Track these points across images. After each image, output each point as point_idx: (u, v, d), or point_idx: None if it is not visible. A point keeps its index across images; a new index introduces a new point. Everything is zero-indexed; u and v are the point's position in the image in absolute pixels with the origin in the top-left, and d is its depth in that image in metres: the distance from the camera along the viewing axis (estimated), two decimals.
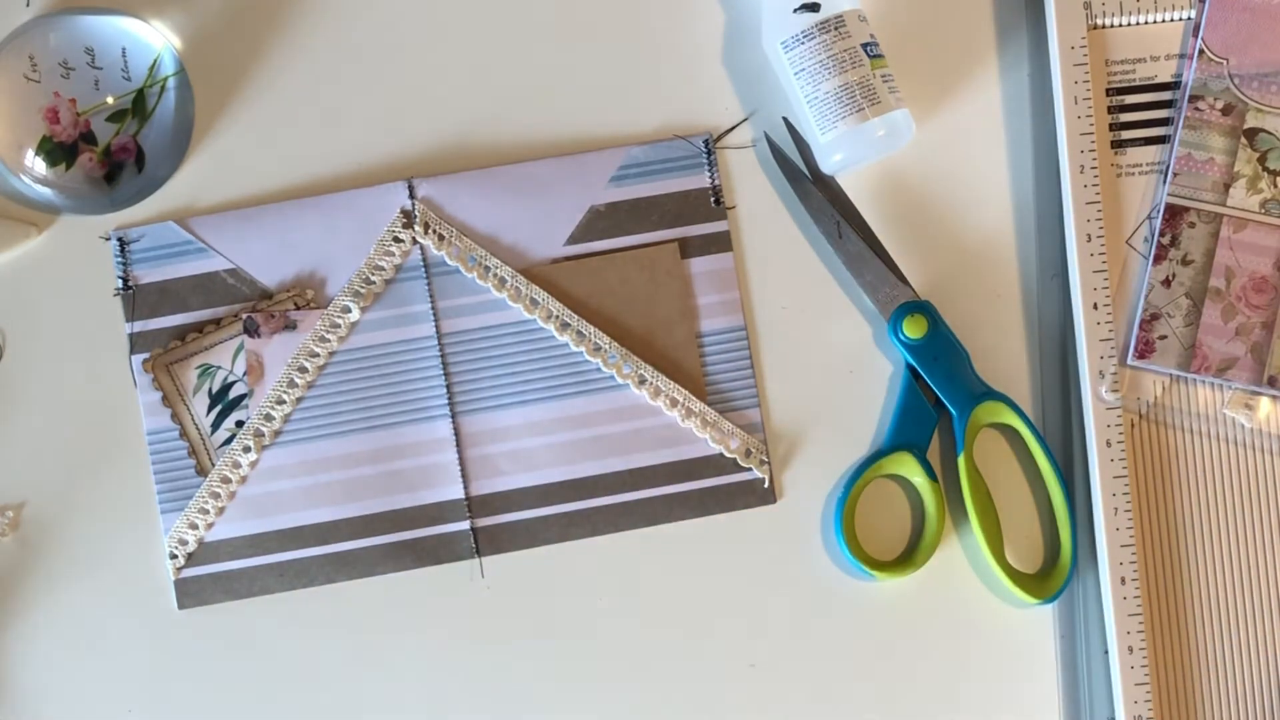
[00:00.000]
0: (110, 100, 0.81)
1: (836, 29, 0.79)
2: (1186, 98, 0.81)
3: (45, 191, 0.81)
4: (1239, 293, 0.80)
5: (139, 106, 0.81)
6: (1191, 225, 0.80)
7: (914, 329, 0.81)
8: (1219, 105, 0.81)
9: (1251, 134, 0.80)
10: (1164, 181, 0.81)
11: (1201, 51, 0.81)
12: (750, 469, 0.82)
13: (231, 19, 0.83)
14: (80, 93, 0.80)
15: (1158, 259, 0.80)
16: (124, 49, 0.81)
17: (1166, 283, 0.80)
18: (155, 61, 0.81)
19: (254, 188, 0.82)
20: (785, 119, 0.83)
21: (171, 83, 0.81)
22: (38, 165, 0.80)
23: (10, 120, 0.80)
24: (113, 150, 0.81)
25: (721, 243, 0.82)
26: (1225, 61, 0.81)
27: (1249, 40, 0.81)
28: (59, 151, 0.81)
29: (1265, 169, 0.80)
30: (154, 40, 0.81)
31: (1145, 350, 0.80)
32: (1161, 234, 0.81)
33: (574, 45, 0.83)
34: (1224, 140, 0.81)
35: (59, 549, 0.81)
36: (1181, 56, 0.81)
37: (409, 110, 0.83)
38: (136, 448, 0.81)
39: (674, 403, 0.81)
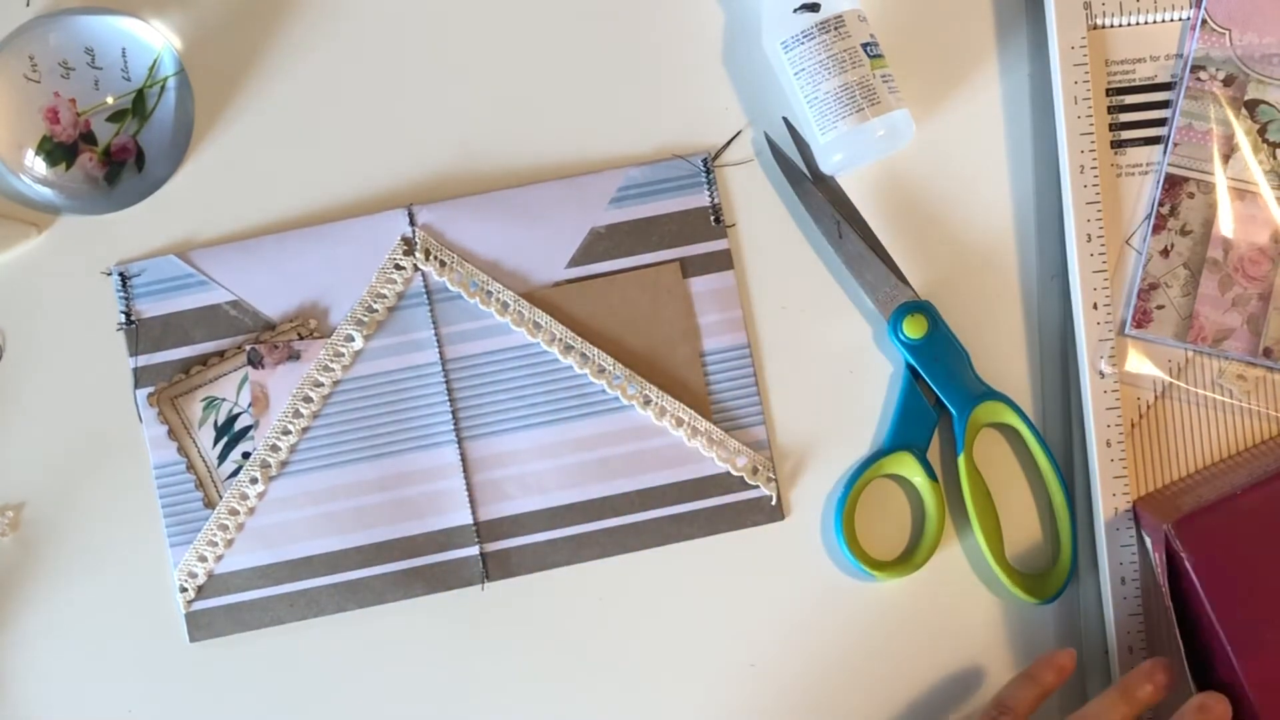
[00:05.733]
0: (110, 100, 0.81)
1: (836, 29, 0.79)
2: (1189, 68, 0.81)
3: (45, 191, 0.81)
4: (1236, 264, 0.80)
5: (139, 106, 0.81)
6: (1191, 196, 0.80)
7: (914, 329, 0.81)
8: (1220, 76, 0.81)
9: (1252, 105, 0.80)
10: (1165, 151, 0.81)
11: (1204, 21, 0.81)
12: (758, 486, 0.82)
13: (231, 19, 0.83)
14: (80, 93, 0.80)
15: (1156, 228, 0.80)
16: (124, 49, 0.81)
17: (1165, 253, 0.80)
18: (155, 61, 0.81)
19: (253, 189, 0.82)
20: (785, 119, 0.83)
21: (171, 83, 0.81)
22: (38, 165, 0.80)
23: (10, 120, 0.80)
24: (113, 150, 0.81)
25: (722, 261, 0.82)
26: (1228, 32, 0.80)
27: (1252, 12, 0.81)
28: (59, 151, 0.80)
29: (1265, 141, 0.80)
30: (154, 40, 0.81)
31: (1143, 320, 0.80)
32: (1161, 204, 0.81)
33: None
34: (1224, 111, 0.80)
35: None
36: (1180, 57, 0.81)
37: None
38: (142, 479, 0.81)
39: (679, 422, 0.81)
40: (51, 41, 0.80)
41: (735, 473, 0.81)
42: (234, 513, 0.81)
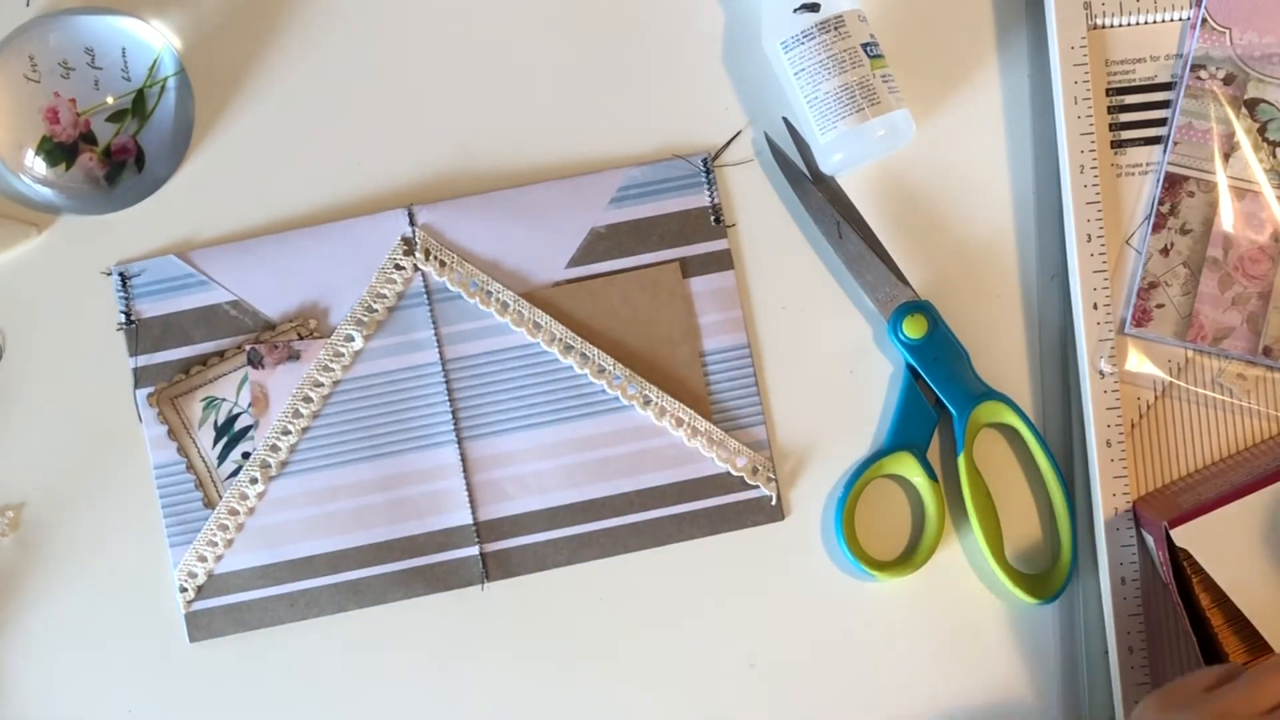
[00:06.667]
0: (110, 100, 0.81)
1: (836, 29, 0.79)
2: (1189, 66, 0.81)
3: (45, 191, 0.81)
4: (1236, 262, 0.80)
5: (139, 106, 0.81)
6: (1191, 194, 0.80)
7: (914, 329, 0.81)
8: (1220, 75, 0.81)
9: (1252, 104, 0.80)
10: (1165, 150, 0.81)
11: (1204, 20, 0.81)
12: (758, 486, 0.82)
13: (231, 19, 0.83)
14: (80, 93, 0.80)
15: (1156, 227, 0.80)
16: (124, 49, 0.81)
17: (1165, 251, 0.80)
18: (155, 61, 0.81)
19: (253, 189, 0.82)
20: (785, 119, 0.83)
21: (171, 83, 0.81)
22: (38, 165, 0.80)
23: (10, 120, 0.80)
24: (113, 150, 0.81)
25: (722, 261, 0.82)
26: (1228, 31, 0.80)
27: (1252, 11, 0.81)
28: (59, 151, 0.81)
29: (1265, 139, 0.80)
30: (154, 40, 0.81)
31: (1143, 319, 0.80)
32: (1161, 202, 0.81)
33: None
34: (1224, 110, 0.80)
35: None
36: (1180, 56, 0.81)
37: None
38: (143, 479, 0.81)
39: (679, 422, 0.81)
40: (51, 41, 0.80)
41: (735, 473, 0.81)
42: (234, 513, 0.81)
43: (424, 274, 0.81)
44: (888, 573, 0.81)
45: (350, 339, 0.81)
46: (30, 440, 0.81)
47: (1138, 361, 0.81)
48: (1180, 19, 0.81)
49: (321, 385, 0.81)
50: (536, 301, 0.81)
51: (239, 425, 0.81)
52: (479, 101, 0.83)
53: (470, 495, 0.81)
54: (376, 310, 0.81)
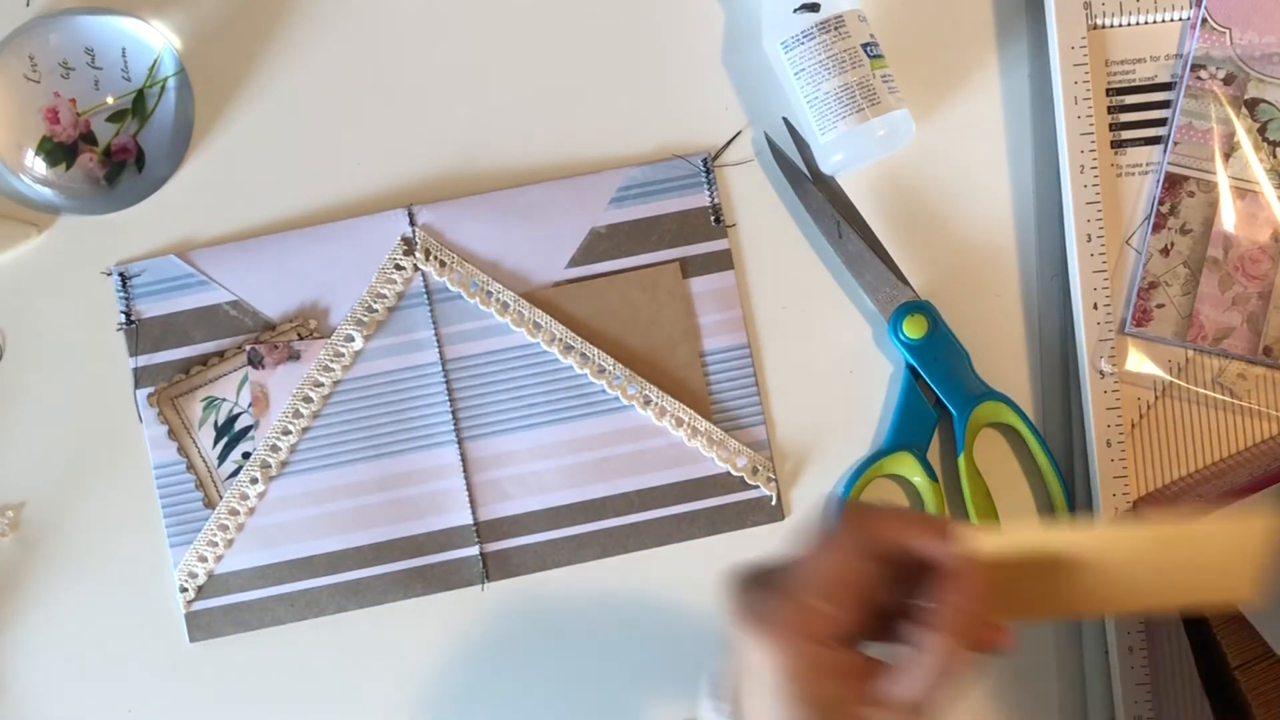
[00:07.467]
0: (110, 100, 0.81)
1: (836, 29, 0.79)
2: (1189, 66, 0.81)
3: (45, 191, 0.81)
4: (1236, 262, 0.80)
5: (139, 106, 0.81)
6: (1191, 194, 0.80)
7: (914, 329, 0.81)
8: (1220, 75, 0.81)
9: (1252, 104, 0.80)
10: (1165, 150, 0.81)
11: (1204, 20, 0.81)
12: (758, 486, 0.82)
13: (231, 19, 0.83)
14: (80, 93, 0.80)
15: (1156, 227, 0.80)
16: (124, 49, 0.81)
17: (1165, 251, 0.80)
18: (155, 61, 0.81)
19: (253, 188, 0.82)
20: (785, 119, 0.83)
21: (171, 83, 0.81)
22: (38, 165, 0.80)
23: (10, 120, 0.80)
24: (113, 150, 0.81)
25: (722, 261, 0.82)
26: (1228, 31, 0.80)
27: (1251, 10, 0.81)
28: (59, 151, 0.81)
29: (1265, 139, 0.80)
30: (154, 40, 0.81)
31: (1143, 319, 0.80)
32: (1161, 202, 0.81)
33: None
34: (1224, 110, 0.80)
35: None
36: (1180, 56, 0.81)
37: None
38: (143, 479, 0.81)
39: (680, 422, 0.81)
40: (51, 41, 0.80)
41: (735, 473, 0.81)
42: (234, 513, 0.81)
43: (424, 274, 0.82)
44: None
45: (350, 339, 0.81)
46: (30, 440, 0.81)
47: (1138, 361, 0.81)
48: (1180, 19, 0.81)
49: (321, 385, 0.81)
50: (536, 301, 0.81)
51: (239, 425, 0.81)
52: (479, 101, 0.83)
53: (470, 495, 0.81)
54: (376, 310, 0.81)
